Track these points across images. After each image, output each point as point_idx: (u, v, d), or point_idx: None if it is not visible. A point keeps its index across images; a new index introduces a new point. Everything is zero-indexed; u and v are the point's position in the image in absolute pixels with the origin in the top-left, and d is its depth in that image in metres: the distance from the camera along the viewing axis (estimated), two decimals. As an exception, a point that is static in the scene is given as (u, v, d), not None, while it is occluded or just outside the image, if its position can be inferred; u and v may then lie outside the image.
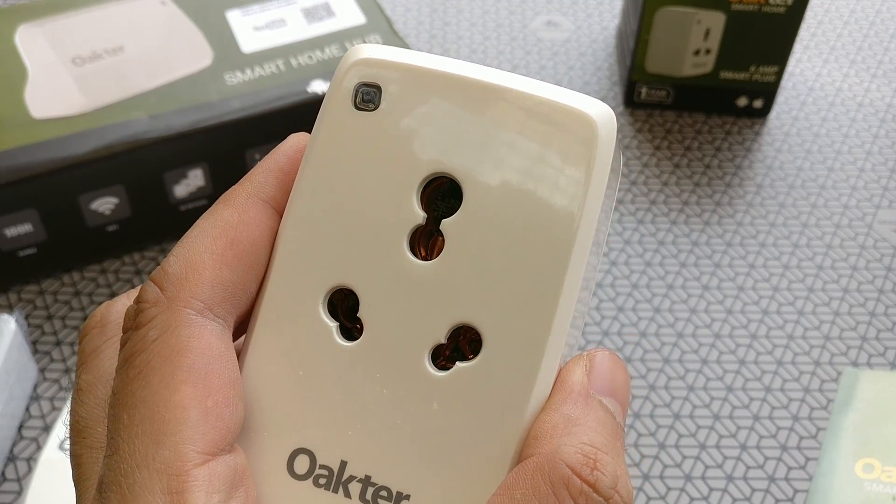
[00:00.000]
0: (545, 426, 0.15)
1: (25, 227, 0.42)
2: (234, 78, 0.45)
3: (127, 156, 0.42)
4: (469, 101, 0.16)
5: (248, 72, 0.46)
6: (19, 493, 0.37)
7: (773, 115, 0.56)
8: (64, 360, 0.42)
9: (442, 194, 0.16)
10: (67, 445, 0.37)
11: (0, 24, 0.48)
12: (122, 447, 0.16)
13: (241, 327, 0.18)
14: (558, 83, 0.58)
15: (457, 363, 0.15)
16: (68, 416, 0.19)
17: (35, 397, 0.41)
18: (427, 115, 0.16)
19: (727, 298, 0.46)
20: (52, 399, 0.41)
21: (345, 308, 0.16)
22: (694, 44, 0.53)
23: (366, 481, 0.15)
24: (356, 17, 0.49)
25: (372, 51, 0.16)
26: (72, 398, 0.18)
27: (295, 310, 0.16)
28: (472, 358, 0.15)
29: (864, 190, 0.52)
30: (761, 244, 0.48)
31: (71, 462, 0.18)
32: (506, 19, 0.63)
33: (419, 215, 0.16)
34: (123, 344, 0.17)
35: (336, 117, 0.17)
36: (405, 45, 0.48)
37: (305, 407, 0.16)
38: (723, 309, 0.45)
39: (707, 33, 0.52)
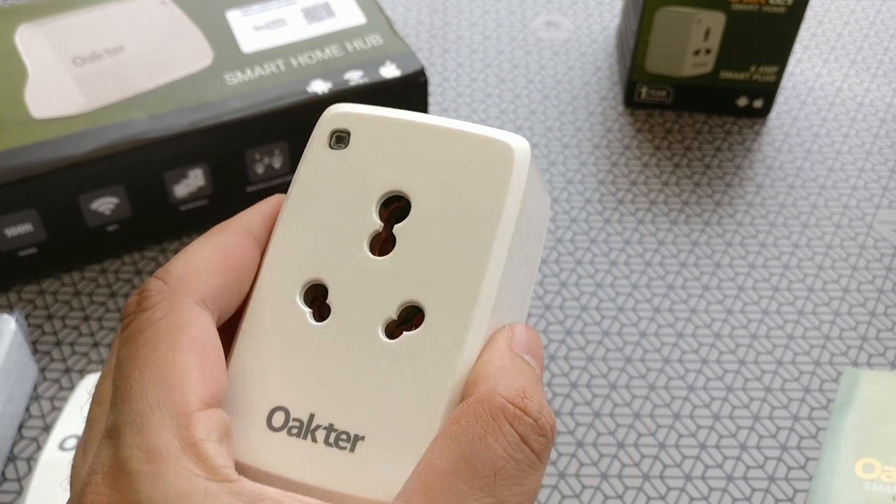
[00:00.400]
0: (481, 373, 0.19)
1: (26, 227, 0.42)
2: (234, 78, 0.45)
3: (127, 156, 0.42)
4: (416, 138, 0.21)
5: (248, 72, 0.46)
6: (19, 492, 0.37)
7: (773, 115, 0.56)
8: (64, 360, 0.42)
9: (399, 212, 0.21)
10: (68, 445, 0.37)
11: (0, 24, 0.48)
12: (135, 396, 0.19)
13: (223, 331, 0.22)
14: (558, 83, 0.58)
15: (403, 332, 0.20)
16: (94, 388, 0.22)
17: (35, 397, 0.41)
18: (384, 150, 0.21)
19: (727, 298, 0.46)
20: (52, 399, 0.41)
21: (318, 299, 0.21)
22: (694, 44, 0.53)
23: (329, 428, 0.19)
24: (356, 17, 0.49)
25: (345, 107, 0.22)
26: (111, 366, 0.21)
27: (277, 300, 0.21)
28: (416, 328, 0.20)
29: (864, 190, 0.52)
30: (761, 244, 0.48)
31: (86, 423, 0.21)
32: (506, 19, 0.63)
33: (377, 223, 0.20)
34: (127, 325, 0.20)
35: (315, 156, 0.22)
36: (405, 45, 0.48)
37: (282, 374, 0.20)
38: (723, 309, 0.45)
39: (707, 33, 0.52)
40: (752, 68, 0.53)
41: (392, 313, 0.20)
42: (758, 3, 0.51)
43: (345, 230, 0.21)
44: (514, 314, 0.21)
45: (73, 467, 0.20)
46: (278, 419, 0.20)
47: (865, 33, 0.63)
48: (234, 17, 0.49)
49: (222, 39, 0.48)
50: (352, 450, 0.19)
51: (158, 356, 0.19)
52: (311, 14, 0.50)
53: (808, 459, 0.39)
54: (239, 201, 0.47)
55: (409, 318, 0.20)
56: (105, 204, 0.44)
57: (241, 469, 0.20)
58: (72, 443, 0.37)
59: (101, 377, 0.21)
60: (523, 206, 0.20)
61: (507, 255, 0.20)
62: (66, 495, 0.35)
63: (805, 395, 0.42)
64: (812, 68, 0.60)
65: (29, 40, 0.47)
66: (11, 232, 0.42)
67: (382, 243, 0.21)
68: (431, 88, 0.57)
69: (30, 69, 0.45)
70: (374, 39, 0.48)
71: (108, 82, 0.45)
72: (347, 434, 0.19)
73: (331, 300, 0.20)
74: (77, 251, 0.45)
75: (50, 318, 0.44)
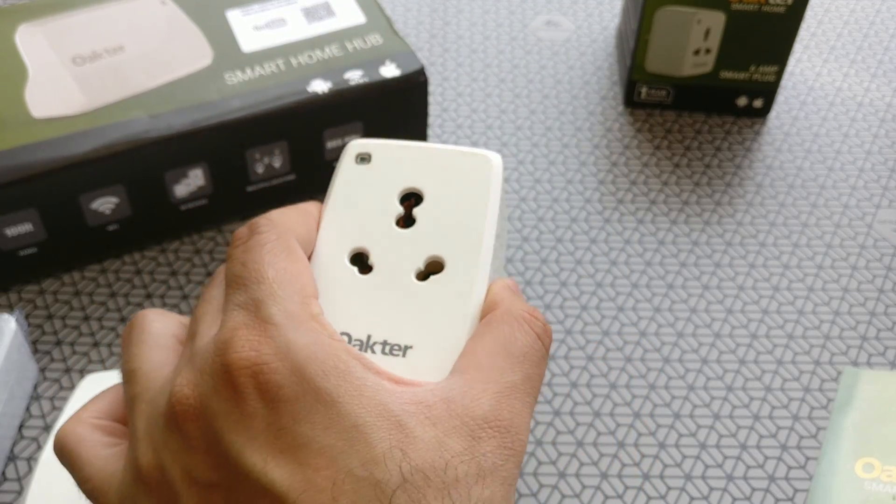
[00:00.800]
0: (497, 299, 0.26)
1: (26, 227, 0.42)
2: (235, 77, 0.45)
3: (127, 155, 0.42)
4: (420, 155, 0.29)
5: (249, 71, 0.46)
6: (19, 492, 0.37)
7: (773, 114, 0.56)
8: (64, 360, 0.42)
9: (414, 202, 0.29)
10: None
11: (0, 23, 0.48)
12: (268, 279, 0.24)
13: None
14: (558, 83, 0.58)
15: (430, 277, 0.27)
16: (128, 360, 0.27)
17: (35, 397, 0.41)
18: (399, 163, 0.29)
19: (727, 298, 0.46)
20: (52, 399, 0.41)
21: (361, 261, 0.28)
22: (694, 43, 0.53)
23: (384, 343, 0.26)
24: (356, 17, 0.49)
25: (365, 140, 0.30)
26: (219, 276, 0.28)
27: (332, 262, 0.27)
28: (439, 274, 0.27)
29: (863, 190, 0.52)
30: (761, 244, 0.48)
31: (203, 303, 0.27)
32: (506, 19, 0.63)
33: (399, 208, 0.28)
34: (242, 243, 0.26)
35: (346, 168, 0.29)
36: (405, 45, 0.48)
37: (342, 310, 0.26)
38: (723, 309, 0.45)
39: (707, 33, 0.52)
40: (752, 68, 0.53)
41: (420, 265, 0.27)
42: (758, 2, 0.50)
43: (376, 213, 0.28)
44: (499, 269, 0.29)
45: (194, 335, 0.25)
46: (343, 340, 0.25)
47: (865, 33, 0.63)
48: (234, 17, 0.49)
49: (222, 39, 0.48)
50: (404, 356, 0.25)
51: (280, 261, 0.25)
52: (311, 14, 0.50)
53: (808, 459, 0.39)
54: (239, 201, 0.47)
55: (432, 271, 0.27)
56: (105, 203, 0.44)
57: None
58: (72, 442, 0.37)
59: (209, 287, 0.27)
60: (501, 197, 0.28)
61: (496, 224, 0.28)
62: (66, 496, 0.35)
63: (805, 395, 0.42)
64: (812, 68, 0.60)
65: (29, 40, 0.47)
66: (11, 232, 0.42)
67: (405, 221, 0.28)
68: (431, 88, 0.57)
69: (30, 69, 0.45)
70: (374, 39, 0.48)
71: (108, 82, 0.45)
72: (399, 345, 0.25)
73: (372, 261, 0.27)
74: (77, 251, 0.45)
75: (50, 317, 0.44)
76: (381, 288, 0.26)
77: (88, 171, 0.42)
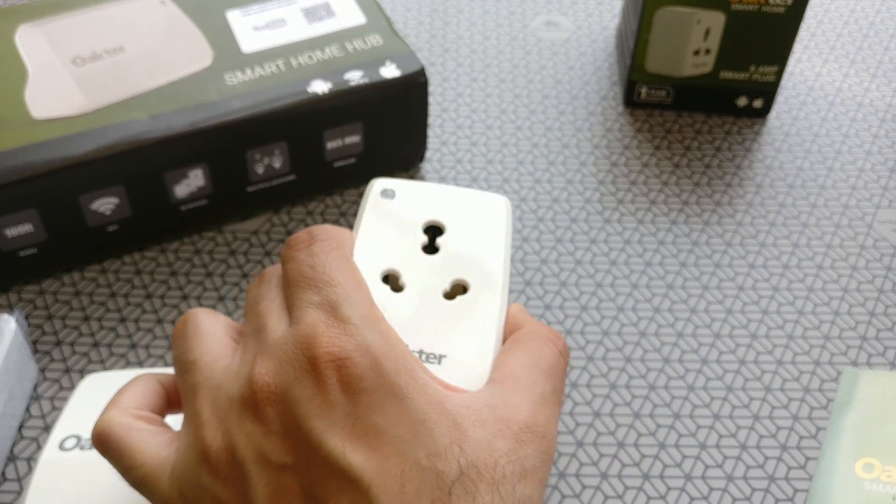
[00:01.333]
0: (520, 321, 0.30)
1: (26, 228, 0.42)
2: (235, 78, 0.45)
3: (127, 156, 0.42)
4: (440, 193, 0.32)
5: (249, 72, 0.46)
6: (19, 492, 0.37)
7: (772, 115, 0.56)
8: (64, 360, 0.42)
9: (436, 233, 0.32)
10: (68, 445, 0.37)
11: (0, 24, 0.48)
12: (340, 282, 0.27)
13: None
14: (558, 83, 0.58)
15: (457, 297, 0.29)
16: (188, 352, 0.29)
17: (35, 397, 0.41)
18: (420, 199, 0.32)
19: (727, 298, 0.46)
20: (52, 399, 0.41)
21: (392, 282, 0.31)
22: (694, 44, 0.53)
23: (420, 352, 0.28)
24: (356, 17, 0.49)
25: (387, 179, 0.34)
26: (272, 273, 0.30)
27: (367, 281, 0.29)
28: (465, 294, 0.30)
29: (864, 190, 0.52)
30: (761, 244, 0.48)
31: (260, 302, 0.29)
32: (506, 19, 0.63)
33: (424, 237, 0.31)
34: (304, 248, 0.28)
35: (372, 202, 0.32)
36: (405, 45, 0.48)
37: None
38: (723, 309, 0.45)
39: (707, 33, 0.52)
40: (752, 68, 0.53)
41: (447, 287, 0.30)
42: (757, 2, 0.50)
43: (403, 240, 0.31)
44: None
45: (262, 329, 0.27)
46: None
47: (865, 33, 0.63)
48: (234, 17, 0.49)
49: (222, 39, 0.48)
50: (439, 363, 0.28)
51: (345, 266, 0.27)
52: (311, 14, 0.50)
53: (808, 459, 0.39)
54: (239, 201, 0.47)
55: (457, 293, 0.30)
56: (105, 204, 0.44)
57: None
58: (71, 443, 0.37)
59: (260, 286, 0.29)
60: (511, 231, 0.34)
61: (509, 253, 0.31)
62: (66, 496, 0.35)
63: (805, 395, 0.42)
64: (812, 68, 0.60)
65: (29, 40, 0.47)
66: (12, 232, 0.42)
67: (430, 249, 0.31)
68: (431, 88, 0.57)
69: (30, 69, 0.45)
70: (374, 39, 0.48)
71: (109, 82, 0.45)
72: (434, 354, 0.28)
73: (403, 282, 0.30)
74: (77, 251, 0.45)
75: (50, 318, 0.44)
76: (414, 305, 0.29)
77: (88, 172, 0.42)
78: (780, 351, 0.43)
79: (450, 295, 0.30)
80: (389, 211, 0.31)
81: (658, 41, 0.53)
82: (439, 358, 0.28)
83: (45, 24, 0.48)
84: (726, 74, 0.54)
